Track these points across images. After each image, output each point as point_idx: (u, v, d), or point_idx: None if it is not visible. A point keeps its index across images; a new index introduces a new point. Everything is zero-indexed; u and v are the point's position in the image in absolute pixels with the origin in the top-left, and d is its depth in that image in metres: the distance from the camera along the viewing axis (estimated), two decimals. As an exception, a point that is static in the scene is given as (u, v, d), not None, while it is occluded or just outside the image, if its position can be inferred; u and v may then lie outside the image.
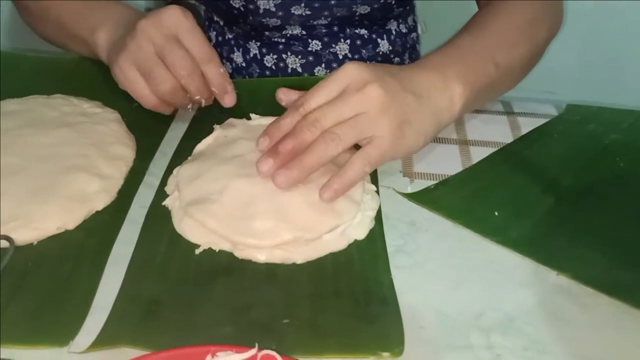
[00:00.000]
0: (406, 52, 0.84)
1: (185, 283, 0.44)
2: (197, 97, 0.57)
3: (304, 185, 0.49)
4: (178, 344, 0.37)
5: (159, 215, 0.50)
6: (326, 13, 0.73)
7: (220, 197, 0.48)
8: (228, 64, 0.82)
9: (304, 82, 0.62)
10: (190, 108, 0.59)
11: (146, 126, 0.59)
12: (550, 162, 0.58)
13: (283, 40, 0.77)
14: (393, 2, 0.75)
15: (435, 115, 0.51)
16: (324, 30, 0.77)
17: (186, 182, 0.51)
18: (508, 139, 0.62)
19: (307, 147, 0.47)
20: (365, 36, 0.79)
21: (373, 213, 0.51)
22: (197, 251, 0.47)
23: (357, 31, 0.78)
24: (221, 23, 0.81)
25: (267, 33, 0.77)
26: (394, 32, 0.81)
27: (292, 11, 0.73)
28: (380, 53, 0.80)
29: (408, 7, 0.82)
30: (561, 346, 0.42)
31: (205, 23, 0.83)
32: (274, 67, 0.79)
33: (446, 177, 0.56)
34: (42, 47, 0.72)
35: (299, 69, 0.79)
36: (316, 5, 0.72)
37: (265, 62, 0.79)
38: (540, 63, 0.66)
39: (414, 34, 0.86)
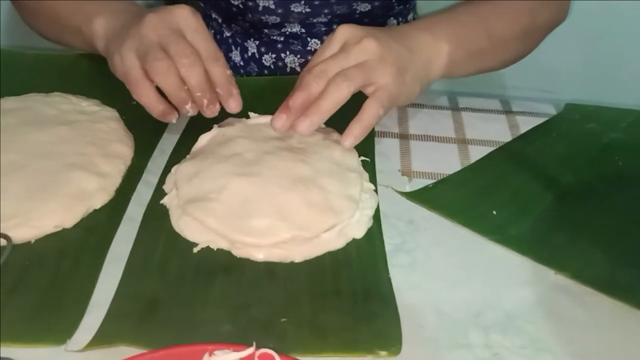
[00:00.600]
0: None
1: (183, 281, 0.44)
2: (199, 95, 0.53)
3: (302, 184, 0.49)
4: (176, 342, 0.37)
5: (157, 214, 0.50)
6: (326, 11, 0.73)
7: (219, 195, 0.48)
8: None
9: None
10: (189, 108, 0.54)
11: (144, 124, 0.59)
12: (550, 160, 0.58)
13: (282, 39, 0.77)
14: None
15: (426, 67, 0.56)
16: (323, 29, 0.76)
17: (184, 181, 0.51)
18: (507, 137, 0.62)
19: (319, 95, 0.51)
20: (365, 35, 0.79)
21: (371, 212, 0.51)
22: (195, 249, 0.47)
23: (356, 29, 0.78)
24: (219, 21, 0.81)
25: (266, 31, 0.77)
26: (393, 31, 0.81)
27: (292, 9, 0.72)
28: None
29: (408, 5, 0.82)
30: (560, 345, 0.42)
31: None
32: (272, 66, 0.79)
33: (445, 176, 0.56)
34: (41, 45, 0.72)
35: (298, 69, 0.78)
36: (316, 2, 0.72)
37: (263, 61, 0.79)
38: (540, 62, 0.67)
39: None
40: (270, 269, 0.46)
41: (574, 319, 0.44)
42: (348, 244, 0.48)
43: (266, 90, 0.57)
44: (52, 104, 0.59)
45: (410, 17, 0.84)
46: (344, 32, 0.54)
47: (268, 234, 0.46)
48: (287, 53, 0.78)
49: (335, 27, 0.76)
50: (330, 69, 0.52)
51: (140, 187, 0.53)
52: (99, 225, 0.49)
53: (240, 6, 0.73)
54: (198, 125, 0.57)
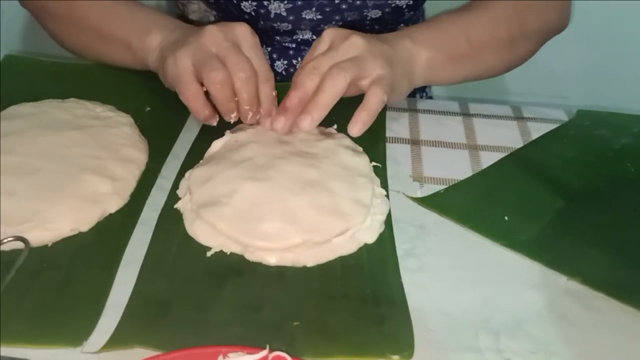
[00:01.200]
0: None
1: (196, 284, 0.45)
2: (247, 107, 0.55)
3: (312, 188, 0.50)
4: (189, 344, 0.38)
5: (170, 218, 0.51)
6: (337, 17, 0.74)
7: (230, 199, 0.49)
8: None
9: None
10: (234, 117, 0.57)
11: (158, 130, 0.60)
12: (561, 166, 0.58)
13: (294, 46, 0.78)
14: (404, 6, 0.75)
15: (409, 66, 0.59)
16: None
17: (198, 185, 0.51)
18: (518, 143, 0.62)
19: (315, 91, 0.52)
20: (375, 41, 0.79)
21: (383, 217, 0.51)
22: (209, 254, 0.47)
23: (367, 36, 0.79)
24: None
25: (277, 38, 0.77)
26: (403, 37, 0.82)
27: (303, 15, 0.73)
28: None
29: (418, 12, 0.83)
30: (570, 349, 0.42)
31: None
32: (284, 72, 0.79)
33: (456, 181, 0.56)
34: (58, 53, 0.72)
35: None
36: (327, 9, 0.72)
37: (275, 67, 0.79)
38: (550, 67, 0.67)
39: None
40: (282, 272, 0.46)
41: (584, 323, 0.44)
42: (360, 249, 0.48)
43: (278, 96, 0.58)
44: (66, 109, 0.60)
45: (419, 23, 0.85)
46: (330, 33, 0.56)
47: (279, 237, 0.47)
48: (299, 59, 0.78)
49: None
50: (322, 65, 0.53)
51: (154, 191, 0.54)
52: (114, 229, 0.49)
53: (252, 13, 0.74)
54: (210, 131, 0.58)
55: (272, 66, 0.80)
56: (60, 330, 0.41)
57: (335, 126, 0.59)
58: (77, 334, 0.41)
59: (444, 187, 0.56)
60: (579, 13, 0.75)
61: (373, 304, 0.44)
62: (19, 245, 0.46)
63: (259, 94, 0.56)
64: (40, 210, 0.48)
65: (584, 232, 0.51)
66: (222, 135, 0.57)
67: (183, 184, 0.54)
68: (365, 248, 0.49)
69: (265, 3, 0.72)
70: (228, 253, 0.47)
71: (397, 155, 0.59)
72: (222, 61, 0.55)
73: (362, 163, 0.54)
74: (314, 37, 0.77)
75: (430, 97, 0.93)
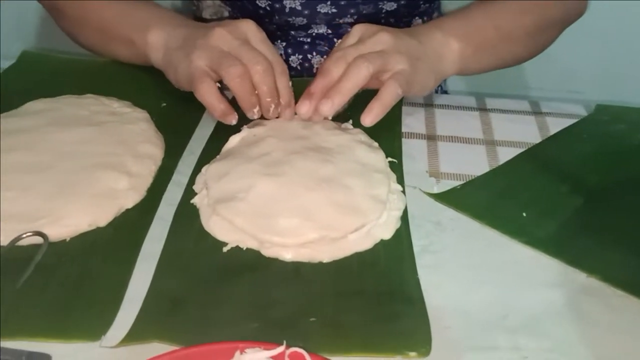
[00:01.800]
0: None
1: (213, 280, 0.45)
2: (268, 100, 0.56)
3: (327, 185, 0.50)
4: (207, 339, 0.38)
5: (187, 213, 0.51)
6: (352, 11, 0.73)
7: (247, 195, 0.49)
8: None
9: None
10: (256, 112, 0.56)
11: (175, 126, 0.60)
12: (579, 162, 0.57)
13: (308, 40, 0.78)
14: (420, -2, 0.75)
15: (438, 60, 0.60)
16: (349, 29, 0.77)
17: (214, 180, 0.51)
18: (536, 139, 0.61)
19: (339, 78, 0.54)
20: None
21: (399, 213, 0.51)
22: (225, 249, 0.47)
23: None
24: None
25: (292, 32, 0.77)
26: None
27: (318, 9, 0.73)
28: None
29: (433, 4, 0.82)
30: (589, 349, 0.41)
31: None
32: (299, 67, 0.79)
33: (473, 177, 0.56)
34: (74, 50, 0.73)
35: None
36: (342, 3, 0.72)
37: (290, 62, 0.79)
38: (567, 63, 0.66)
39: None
40: (298, 268, 0.46)
41: (603, 322, 0.43)
42: (376, 245, 0.48)
43: (294, 91, 0.58)
44: (83, 105, 0.61)
45: (435, 16, 0.84)
46: (360, 28, 0.59)
47: (295, 233, 0.47)
48: (314, 54, 0.78)
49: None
50: (349, 55, 0.55)
51: (171, 187, 0.54)
52: (131, 224, 0.50)
53: (267, 8, 0.74)
54: (225, 128, 0.58)
55: (286, 61, 0.79)
56: (78, 325, 0.41)
57: (350, 121, 0.59)
58: (95, 328, 0.41)
59: (461, 182, 0.55)
60: (595, 9, 0.75)
61: (389, 300, 0.44)
62: (38, 240, 0.47)
63: (277, 86, 0.57)
64: (58, 207, 0.49)
65: (603, 228, 0.50)
66: (238, 130, 0.57)
67: (199, 179, 0.54)
68: (382, 244, 0.48)
69: (281, -3, 0.71)
70: (244, 249, 0.48)
71: (413, 150, 0.59)
72: (237, 57, 0.55)
73: (378, 159, 0.54)
74: (329, 31, 0.76)
75: (446, 92, 0.92)
